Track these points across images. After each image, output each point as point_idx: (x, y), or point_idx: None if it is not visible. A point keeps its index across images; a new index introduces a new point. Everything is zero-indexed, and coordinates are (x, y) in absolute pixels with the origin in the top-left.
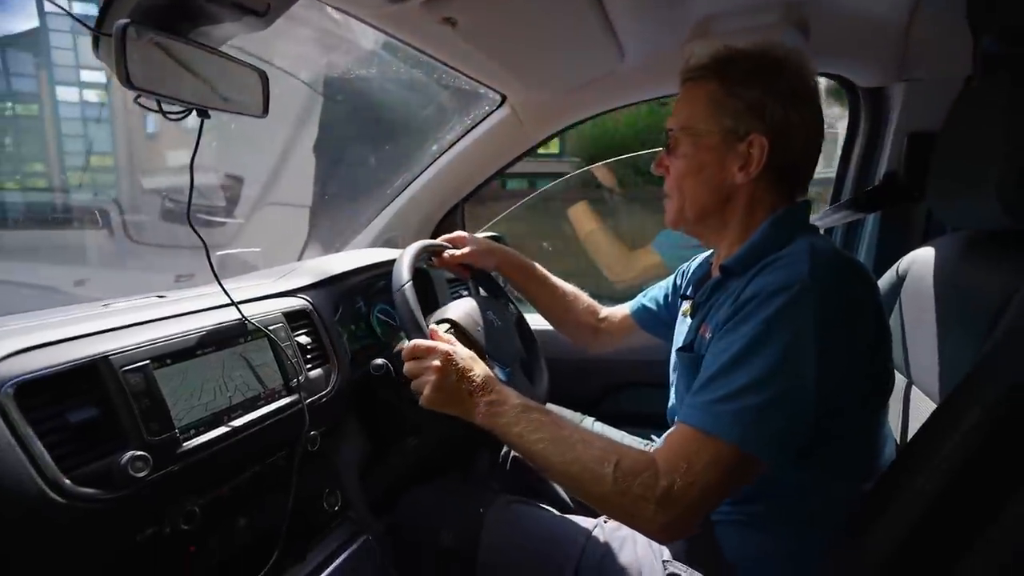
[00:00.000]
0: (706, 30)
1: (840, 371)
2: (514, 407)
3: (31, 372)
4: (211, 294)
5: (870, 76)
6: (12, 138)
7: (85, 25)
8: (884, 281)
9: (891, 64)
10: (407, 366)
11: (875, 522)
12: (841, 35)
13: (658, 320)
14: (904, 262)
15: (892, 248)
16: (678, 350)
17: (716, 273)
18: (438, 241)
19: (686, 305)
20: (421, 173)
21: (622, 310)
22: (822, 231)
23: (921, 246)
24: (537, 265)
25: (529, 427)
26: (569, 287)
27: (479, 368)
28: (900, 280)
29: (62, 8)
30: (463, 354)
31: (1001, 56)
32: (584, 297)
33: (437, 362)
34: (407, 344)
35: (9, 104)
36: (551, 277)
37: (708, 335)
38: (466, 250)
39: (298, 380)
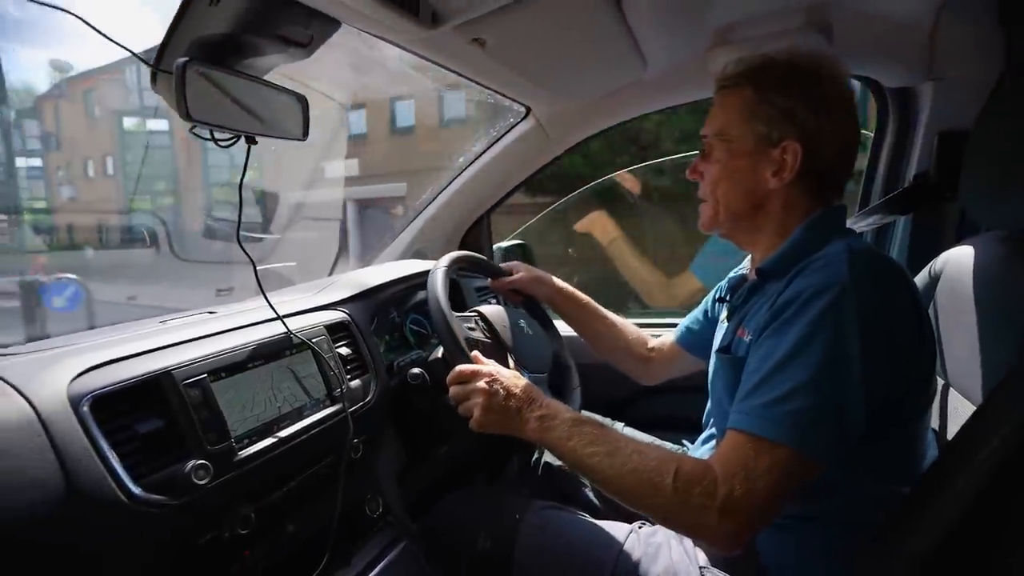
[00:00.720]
0: (728, 36)
1: (884, 371)
2: (565, 420)
3: (104, 387)
4: (256, 308)
5: (897, 77)
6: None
7: (146, 63)
8: (918, 281)
9: (919, 64)
10: (453, 391)
11: (912, 523)
12: (866, 37)
13: (704, 338)
14: (938, 262)
15: (925, 248)
16: (716, 351)
17: (752, 276)
18: (484, 259)
19: (724, 311)
20: (448, 185)
21: (668, 339)
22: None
23: (954, 246)
24: (585, 296)
25: (583, 440)
26: (618, 318)
27: (523, 383)
28: (934, 281)
29: (126, 48)
30: (506, 373)
31: None
32: (632, 327)
33: (483, 384)
34: (452, 372)
35: None
36: (600, 308)
37: (747, 337)
38: (518, 276)
39: (341, 390)
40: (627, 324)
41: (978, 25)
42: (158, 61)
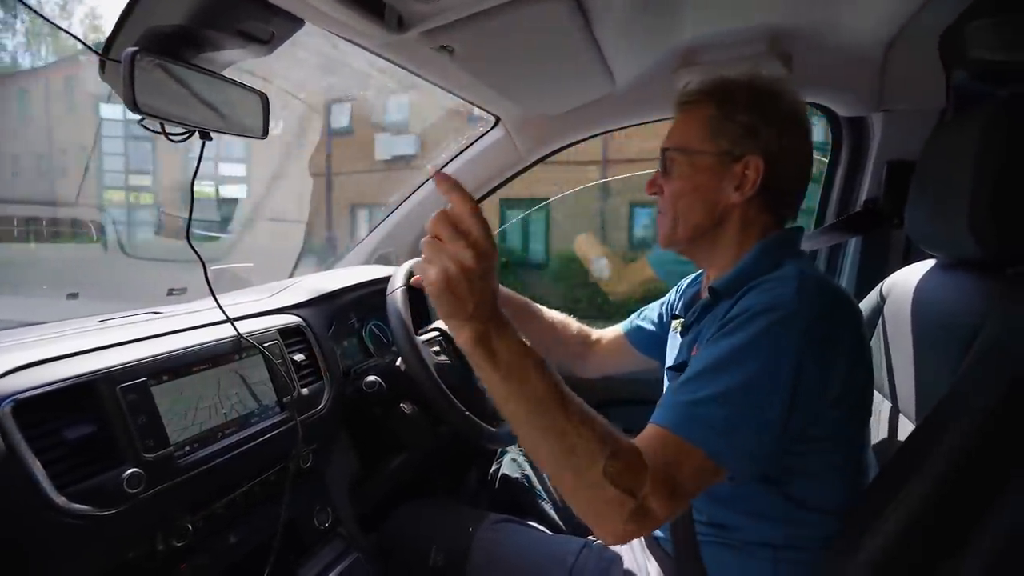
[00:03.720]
0: (693, 59)
1: (813, 399)
2: (512, 350)
3: (29, 389)
4: (205, 310)
5: (850, 106)
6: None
7: (93, 50)
8: (868, 302)
9: (870, 96)
10: (428, 239)
11: (859, 535)
12: (822, 67)
13: (654, 339)
14: (886, 284)
15: (873, 270)
16: (669, 368)
17: (705, 294)
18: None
19: (676, 323)
20: (415, 191)
21: (614, 331)
22: (807, 253)
23: (901, 268)
24: (516, 295)
25: (521, 377)
26: (557, 314)
27: (495, 289)
28: (882, 302)
29: (74, 36)
30: (493, 274)
31: (972, 91)
32: (573, 323)
33: (470, 255)
34: (441, 215)
35: None
36: (532, 304)
37: (697, 353)
38: None
39: (291, 397)
40: (568, 320)
41: (922, 63)
42: (107, 49)
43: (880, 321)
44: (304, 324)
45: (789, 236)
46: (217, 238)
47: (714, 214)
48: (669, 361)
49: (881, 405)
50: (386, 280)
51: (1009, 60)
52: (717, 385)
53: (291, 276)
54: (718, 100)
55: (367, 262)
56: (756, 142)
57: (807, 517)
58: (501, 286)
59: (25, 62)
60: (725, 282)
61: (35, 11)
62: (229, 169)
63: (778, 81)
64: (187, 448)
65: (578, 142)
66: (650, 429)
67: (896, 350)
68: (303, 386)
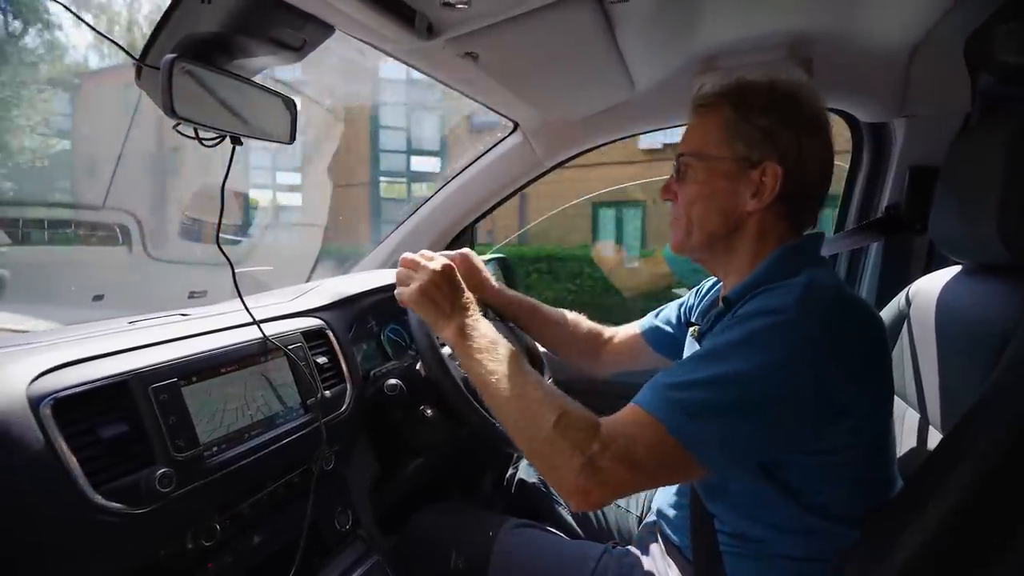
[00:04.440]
0: (713, 64)
1: (805, 409)
2: (484, 336)
3: (67, 388)
4: (231, 312)
5: (872, 112)
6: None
7: (132, 56)
8: (891, 309)
9: (892, 101)
10: (405, 260)
11: (875, 554)
12: (844, 72)
13: (670, 340)
14: (911, 290)
15: (896, 276)
16: None
17: (721, 304)
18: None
19: (692, 329)
20: (433, 195)
21: (631, 329)
22: (827, 260)
23: (924, 275)
24: (526, 297)
25: (489, 357)
26: (567, 313)
27: (467, 294)
28: (907, 308)
29: (113, 42)
30: (459, 282)
31: (999, 95)
32: (584, 321)
33: (437, 267)
34: (407, 257)
35: None
36: (542, 306)
37: None
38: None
39: (315, 399)
40: (580, 319)
41: (948, 64)
42: (144, 56)
43: (905, 328)
44: (327, 327)
45: (806, 244)
46: (238, 241)
47: (729, 221)
48: None
49: (906, 413)
50: None
51: None
52: (697, 373)
53: (309, 280)
54: (735, 102)
55: (384, 266)
56: (774, 147)
57: (830, 529)
58: (512, 291)
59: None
60: (738, 291)
61: (74, 13)
62: (287, 177)
63: (798, 84)
64: (215, 448)
65: (596, 147)
66: (630, 407)
67: (923, 358)
68: (326, 388)
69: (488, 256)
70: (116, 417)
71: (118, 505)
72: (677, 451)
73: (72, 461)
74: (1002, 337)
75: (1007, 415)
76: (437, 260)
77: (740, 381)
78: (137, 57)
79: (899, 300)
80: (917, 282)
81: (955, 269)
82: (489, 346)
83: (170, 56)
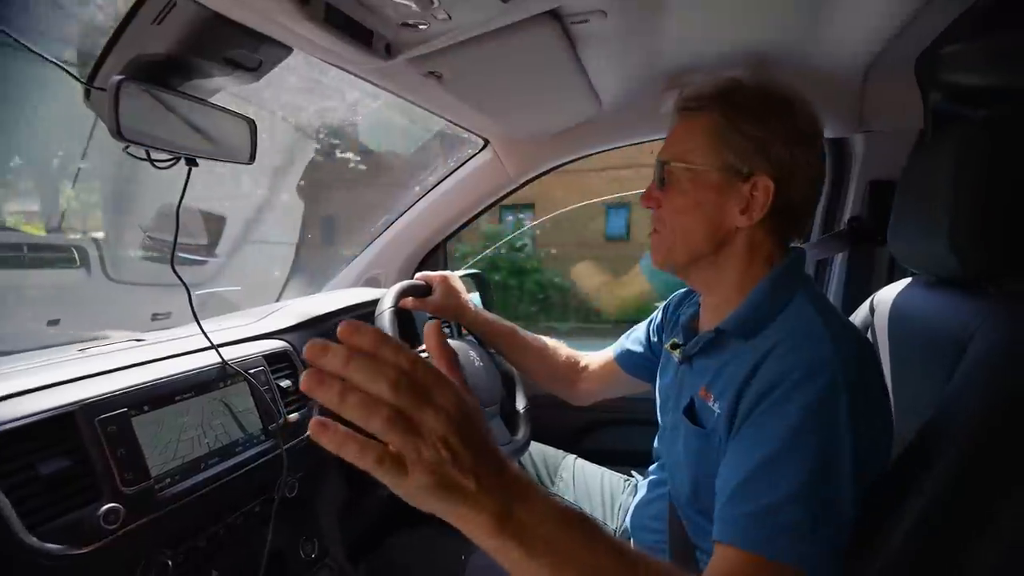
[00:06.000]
0: (678, 81)
1: (871, 460)
2: (549, 506)
3: (3, 423)
4: (189, 336)
5: (831, 128)
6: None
7: (78, 80)
8: (855, 318)
9: (850, 117)
10: (400, 400)
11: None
12: (804, 90)
13: (644, 362)
14: (875, 300)
15: (860, 286)
16: (678, 411)
17: (707, 326)
18: (417, 281)
19: (674, 351)
20: (404, 213)
21: (605, 355)
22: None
23: (886, 285)
24: (508, 323)
25: (570, 548)
26: (545, 340)
27: (493, 441)
28: (871, 318)
29: (58, 64)
30: (469, 423)
31: (949, 112)
32: (563, 348)
33: (446, 419)
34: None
35: None
36: (520, 331)
37: (713, 403)
38: (433, 298)
39: (277, 424)
40: (558, 345)
41: (901, 85)
42: (92, 78)
43: (870, 336)
44: (291, 349)
45: (792, 265)
46: (204, 262)
47: (716, 237)
48: (669, 396)
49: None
50: (374, 303)
51: (982, 84)
52: (787, 480)
53: (278, 299)
54: (725, 107)
55: (355, 285)
56: (767, 159)
57: None
58: (490, 314)
59: None
60: (735, 323)
61: (20, 42)
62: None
63: (790, 88)
64: (168, 480)
65: (566, 163)
66: (729, 554)
67: (885, 366)
68: (290, 412)
69: (463, 272)
70: (59, 452)
71: (56, 546)
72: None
73: (4, 501)
74: (958, 346)
75: (966, 422)
76: (446, 384)
77: (827, 475)
78: (85, 80)
79: (863, 309)
80: (879, 292)
81: (912, 281)
82: (562, 536)
83: (117, 78)
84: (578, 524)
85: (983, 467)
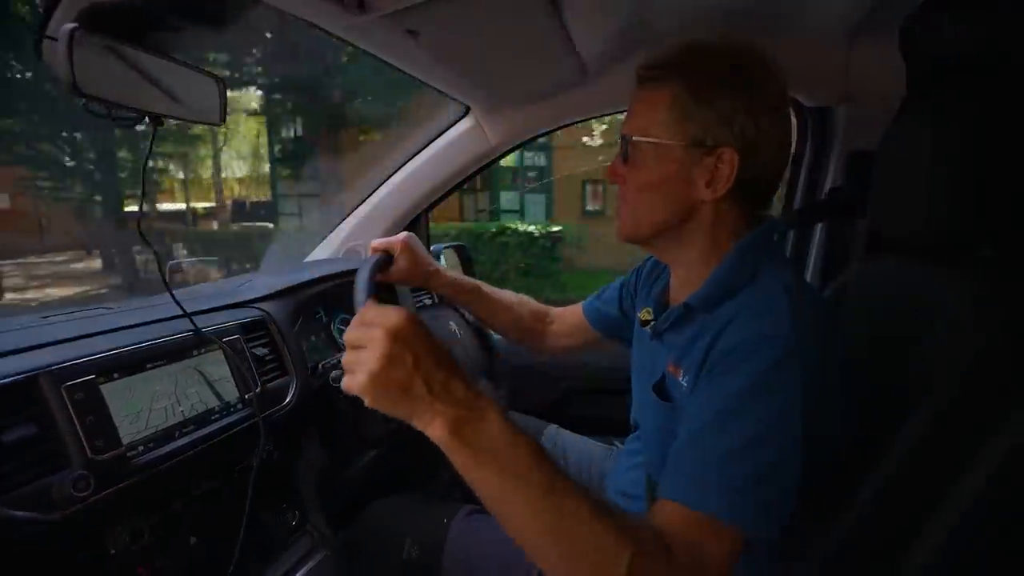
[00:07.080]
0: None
1: (829, 432)
2: (492, 435)
3: None
4: (162, 304)
5: (815, 97)
6: None
7: (29, 28)
8: (833, 290)
9: (834, 87)
10: (348, 336)
11: (810, 534)
12: (786, 58)
13: (613, 322)
14: (848, 274)
15: (838, 258)
16: (648, 385)
17: (677, 299)
18: (378, 255)
19: (646, 319)
20: (384, 182)
21: (575, 310)
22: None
23: (864, 257)
24: (472, 280)
25: (509, 466)
26: (512, 294)
27: (448, 360)
28: (842, 292)
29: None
30: (428, 339)
31: (932, 80)
32: (530, 302)
33: (389, 325)
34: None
35: None
36: (484, 286)
37: (682, 378)
38: (398, 266)
39: (254, 393)
40: (524, 299)
41: (885, 53)
42: (43, 27)
43: (845, 308)
44: (268, 318)
45: (760, 237)
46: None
47: (681, 210)
48: (643, 368)
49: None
50: (352, 272)
51: (966, 51)
52: (728, 439)
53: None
54: (686, 77)
55: (335, 255)
56: (730, 131)
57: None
58: (457, 274)
59: None
60: (702, 298)
61: None
62: None
63: (756, 52)
64: (141, 448)
65: (550, 132)
66: (668, 507)
67: (861, 337)
68: (267, 382)
69: (446, 244)
70: (23, 418)
71: (24, 513)
72: (739, 534)
73: None
74: (929, 313)
75: (933, 402)
76: (387, 313)
77: (774, 434)
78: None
79: (839, 281)
80: (854, 264)
81: (892, 251)
82: (509, 453)
83: (69, 26)
84: (525, 445)
85: (953, 434)
